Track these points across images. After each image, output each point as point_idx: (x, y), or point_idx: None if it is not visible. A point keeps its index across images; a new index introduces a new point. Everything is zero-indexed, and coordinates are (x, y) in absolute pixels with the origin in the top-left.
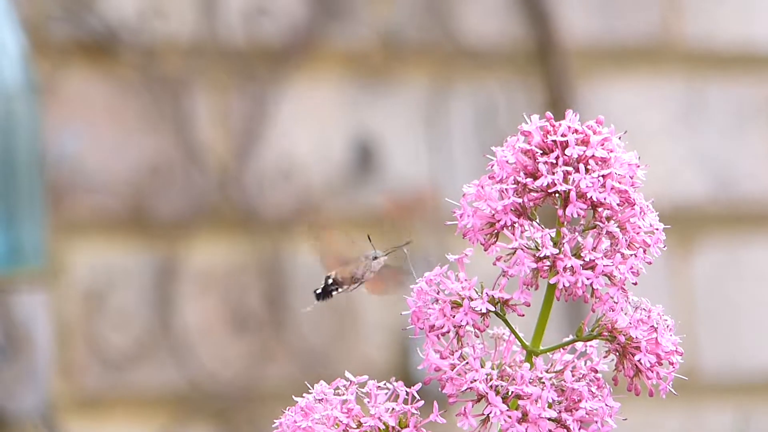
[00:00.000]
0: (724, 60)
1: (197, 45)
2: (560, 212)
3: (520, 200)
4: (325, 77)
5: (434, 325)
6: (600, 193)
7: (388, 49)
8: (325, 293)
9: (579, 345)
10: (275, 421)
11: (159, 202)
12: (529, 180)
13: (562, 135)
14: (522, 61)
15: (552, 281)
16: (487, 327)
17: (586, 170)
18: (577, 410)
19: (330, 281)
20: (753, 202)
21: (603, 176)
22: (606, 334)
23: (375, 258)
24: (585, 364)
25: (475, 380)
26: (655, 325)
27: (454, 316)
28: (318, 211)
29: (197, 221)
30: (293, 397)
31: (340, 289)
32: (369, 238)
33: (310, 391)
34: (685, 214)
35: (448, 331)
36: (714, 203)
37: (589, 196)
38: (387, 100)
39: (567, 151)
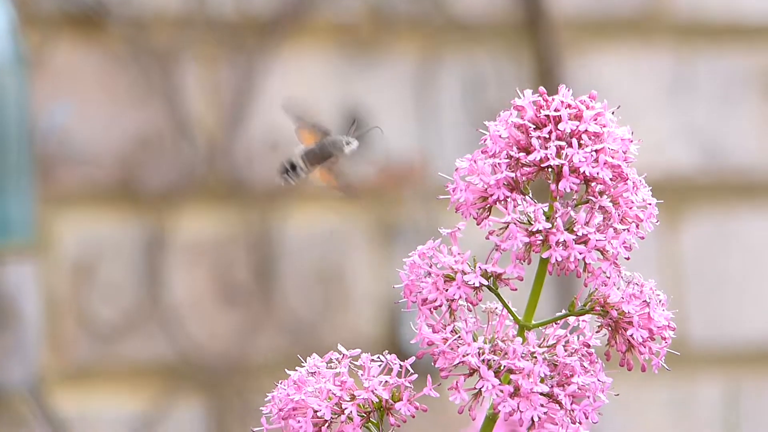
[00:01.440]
0: (713, 31)
1: (186, 17)
2: (553, 187)
3: (512, 174)
4: (314, 49)
5: (427, 299)
6: (593, 167)
7: (376, 20)
8: (288, 171)
9: (571, 320)
10: (267, 394)
11: (148, 174)
12: (522, 154)
13: (555, 110)
14: (511, 33)
15: (544, 256)
16: (480, 301)
17: (579, 145)
18: (569, 385)
19: (292, 166)
20: (741, 174)
21: (596, 151)
22: (598, 308)
23: (348, 143)
24: (577, 338)
25: (468, 354)
26: (648, 300)
27: (446, 290)
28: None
29: (186, 193)
30: (285, 370)
31: (293, 177)
32: (353, 123)
33: (300, 363)
34: (673, 186)
35: (441, 305)
36: (702, 175)
37: (582, 171)
38: (376, 71)
39: (560, 126)
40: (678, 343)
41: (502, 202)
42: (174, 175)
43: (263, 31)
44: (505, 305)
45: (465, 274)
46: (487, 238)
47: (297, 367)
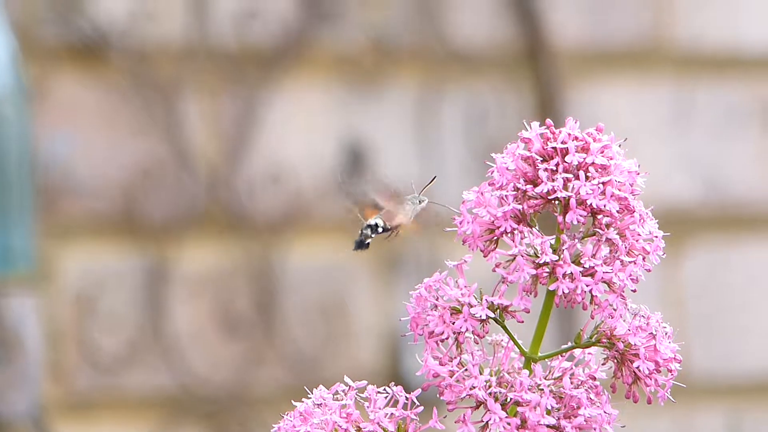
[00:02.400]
0: (713, 63)
1: (188, 48)
2: (560, 219)
3: (519, 207)
4: (316, 80)
5: (433, 332)
6: (600, 200)
7: (378, 52)
8: (362, 243)
9: (577, 352)
10: (273, 425)
11: (150, 205)
12: (529, 187)
13: (563, 142)
14: (512, 64)
15: (551, 288)
16: (487, 333)
17: (586, 177)
18: (575, 417)
19: (372, 229)
20: (742, 205)
21: (603, 183)
22: (605, 340)
23: (420, 202)
24: (583, 371)
25: (474, 387)
26: (654, 332)
27: (453, 323)
28: (309, 214)
29: (188, 225)
30: (292, 401)
31: (378, 234)
32: (431, 180)
33: (305, 395)
34: (675, 217)
35: (448, 338)
36: (704, 206)
37: (588, 203)
38: (378, 103)
39: (567, 158)
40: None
41: (509, 235)
42: (176, 207)
43: (265, 62)
44: (511, 337)
45: (472, 306)
46: (494, 270)
47: (303, 399)
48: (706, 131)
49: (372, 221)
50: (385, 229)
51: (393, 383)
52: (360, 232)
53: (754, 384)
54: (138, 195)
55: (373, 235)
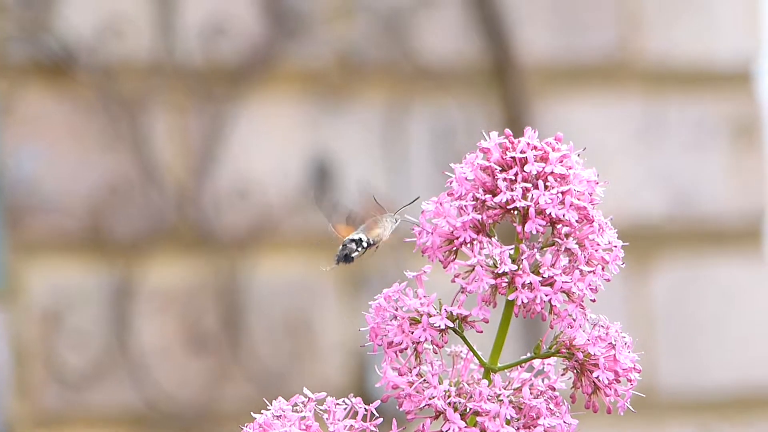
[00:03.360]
0: (682, 78)
1: (155, 65)
2: (519, 229)
3: (479, 217)
4: (283, 96)
5: (392, 342)
6: (559, 209)
7: (345, 68)
8: (347, 256)
9: (537, 362)
10: None
11: (116, 221)
12: (488, 197)
13: (521, 152)
14: (480, 80)
15: (510, 298)
16: (446, 343)
17: (545, 187)
18: (535, 427)
19: (357, 243)
20: (711, 221)
21: (562, 193)
22: (564, 351)
23: (396, 220)
24: (543, 381)
25: (434, 397)
26: (614, 342)
27: (412, 333)
28: (275, 231)
29: (155, 241)
30: (252, 414)
31: (360, 251)
32: (414, 200)
33: (268, 408)
34: (643, 233)
35: (407, 348)
36: (672, 221)
37: (548, 213)
38: (345, 119)
39: (526, 168)
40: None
41: (469, 245)
42: (143, 223)
43: (232, 78)
44: (470, 348)
45: (431, 316)
46: (453, 280)
47: (263, 411)
48: (676, 147)
49: (356, 236)
50: (369, 244)
51: (353, 395)
52: (343, 246)
53: (722, 399)
54: (105, 211)
55: (359, 249)
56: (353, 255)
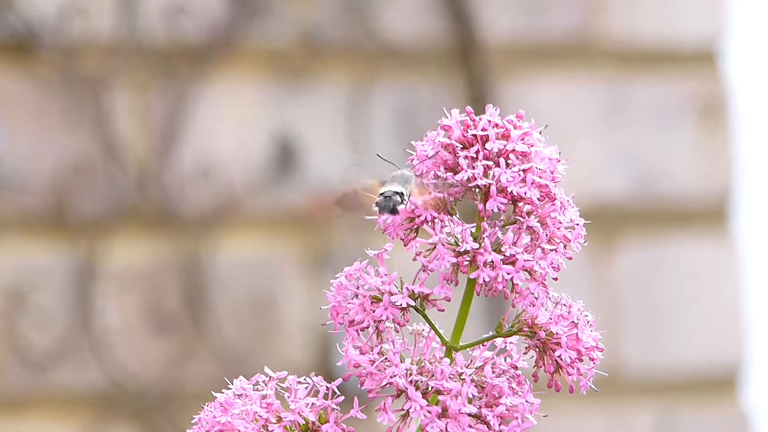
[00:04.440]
0: (647, 58)
1: (117, 43)
2: (480, 207)
3: (440, 195)
4: (246, 76)
5: (354, 320)
6: (520, 187)
7: (308, 47)
8: (393, 209)
9: (499, 341)
10: (194, 417)
11: (79, 201)
12: (449, 174)
13: (483, 129)
14: (444, 59)
15: (472, 276)
16: (407, 322)
17: (507, 165)
18: (497, 406)
19: (399, 197)
20: (675, 200)
21: (523, 171)
22: (526, 329)
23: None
24: (505, 360)
25: (395, 375)
26: (576, 321)
27: (374, 311)
28: (238, 210)
29: (117, 220)
30: (213, 393)
31: (403, 204)
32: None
33: (230, 388)
34: (608, 213)
35: (368, 326)
36: (637, 201)
37: (509, 191)
38: (308, 98)
39: (487, 146)
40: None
41: (429, 223)
42: (105, 203)
43: (195, 58)
44: (432, 326)
45: (392, 295)
46: (415, 259)
47: (224, 390)
48: (641, 126)
49: (397, 188)
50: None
51: (315, 374)
52: (387, 197)
53: (688, 380)
54: (67, 190)
55: (402, 202)
56: (399, 207)
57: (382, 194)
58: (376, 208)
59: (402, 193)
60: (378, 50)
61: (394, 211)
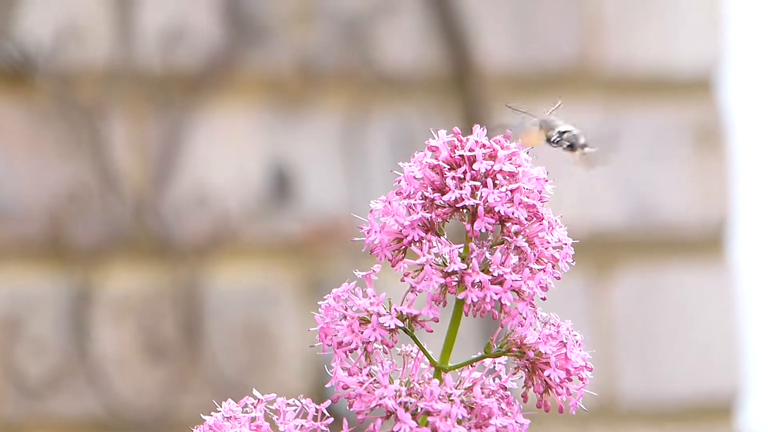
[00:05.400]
0: (643, 86)
1: (113, 72)
2: (468, 227)
3: (428, 215)
4: (243, 103)
5: (342, 342)
6: (508, 207)
7: (305, 75)
8: (585, 144)
9: (488, 362)
10: None
11: (75, 229)
12: (436, 195)
13: (470, 150)
14: (440, 87)
15: (460, 296)
16: (396, 343)
17: (494, 185)
18: (487, 427)
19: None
20: (671, 229)
21: (511, 191)
22: (515, 349)
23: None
24: (494, 380)
25: (384, 397)
26: (564, 341)
27: (362, 332)
28: (235, 239)
29: (114, 248)
30: (202, 416)
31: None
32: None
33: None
34: (604, 241)
35: (357, 348)
36: (633, 229)
37: (497, 211)
38: (304, 126)
39: (475, 166)
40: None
41: (417, 244)
42: (101, 231)
43: (191, 85)
44: (420, 347)
45: (380, 316)
46: (403, 280)
47: (212, 413)
48: (637, 154)
49: (574, 128)
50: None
51: (303, 396)
52: (573, 135)
53: (683, 409)
54: (63, 219)
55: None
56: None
57: (567, 131)
58: (566, 143)
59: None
60: (374, 78)
61: (584, 147)
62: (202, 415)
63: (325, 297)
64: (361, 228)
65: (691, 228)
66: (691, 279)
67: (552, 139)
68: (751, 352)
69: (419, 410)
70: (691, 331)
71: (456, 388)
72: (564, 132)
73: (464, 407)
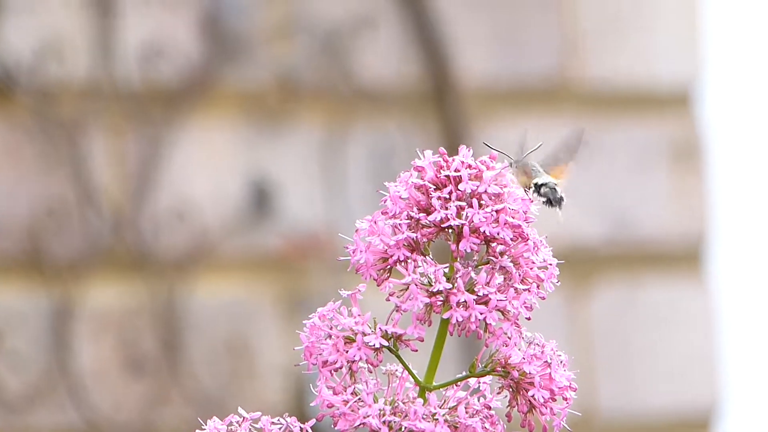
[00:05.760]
0: (622, 101)
1: (93, 87)
2: (453, 247)
3: (413, 235)
4: (222, 119)
5: (327, 361)
6: (493, 227)
7: (284, 90)
8: (560, 199)
9: (472, 381)
10: None
11: (55, 244)
12: (422, 215)
13: (456, 170)
14: (419, 103)
15: (445, 316)
16: (381, 362)
17: (480, 205)
18: None
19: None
20: (650, 244)
21: (496, 211)
22: (499, 369)
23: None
24: (478, 400)
25: (368, 416)
26: (549, 361)
27: (347, 351)
28: (214, 253)
29: (93, 263)
30: (181, 430)
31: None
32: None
33: (203, 429)
34: (583, 256)
35: (341, 367)
36: (612, 244)
37: (482, 231)
38: (283, 141)
39: (460, 186)
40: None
41: (403, 263)
42: (81, 245)
43: (170, 101)
44: (405, 366)
45: (365, 335)
46: (388, 299)
47: (197, 431)
48: (615, 169)
49: (551, 180)
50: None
51: (288, 414)
52: (554, 189)
53: (662, 423)
54: (43, 233)
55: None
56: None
57: (543, 185)
58: (542, 198)
59: (555, 184)
60: (353, 93)
61: (561, 202)
62: (182, 429)
63: (310, 316)
64: (347, 247)
65: (670, 243)
66: (670, 293)
67: (530, 192)
68: (729, 365)
69: (403, 429)
70: (669, 345)
71: (440, 408)
72: (541, 185)
73: (448, 427)
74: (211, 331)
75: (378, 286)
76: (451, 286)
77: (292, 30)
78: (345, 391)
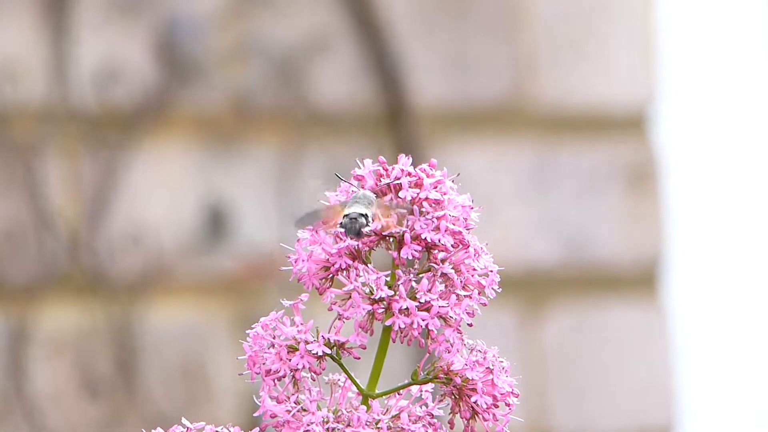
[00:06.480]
0: (576, 124)
1: (48, 110)
2: (395, 254)
3: (355, 244)
4: (177, 142)
5: (270, 370)
6: (434, 234)
7: (239, 113)
8: (359, 231)
9: (415, 390)
10: None
11: (10, 266)
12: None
13: (396, 178)
14: (373, 125)
15: (387, 323)
16: (324, 370)
17: (420, 212)
18: None
19: (364, 219)
20: (604, 267)
21: (437, 218)
22: (442, 376)
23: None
24: (421, 408)
25: (312, 423)
26: (491, 367)
27: (290, 360)
28: (169, 276)
29: (48, 286)
30: None
31: (368, 226)
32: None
33: None
34: (536, 279)
35: (285, 376)
36: (566, 268)
37: (423, 238)
38: (238, 164)
39: (401, 194)
40: None
41: (344, 272)
42: (36, 268)
43: (126, 124)
44: (348, 375)
45: (308, 343)
46: (330, 308)
47: None
48: (570, 193)
49: (363, 210)
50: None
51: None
52: (353, 219)
53: None
54: None
55: (367, 224)
56: (364, 230)
57: (346, 215)
58: (341, 230)
59: (366, 214)
60: (308, 116)
61: (359, 234)
62: None
63: (253, 326)
64: (289, 257)
65: (624, 266)
66: (624, 316)
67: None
68: (684, 387)
69: None
70: (624, 368)
71: (383, 415)
72: (344, 216)
73: None
74: (167, 354)
75: (320, 294)
76: (393, 293)
77: (247, 53)
78: (288, 400)
